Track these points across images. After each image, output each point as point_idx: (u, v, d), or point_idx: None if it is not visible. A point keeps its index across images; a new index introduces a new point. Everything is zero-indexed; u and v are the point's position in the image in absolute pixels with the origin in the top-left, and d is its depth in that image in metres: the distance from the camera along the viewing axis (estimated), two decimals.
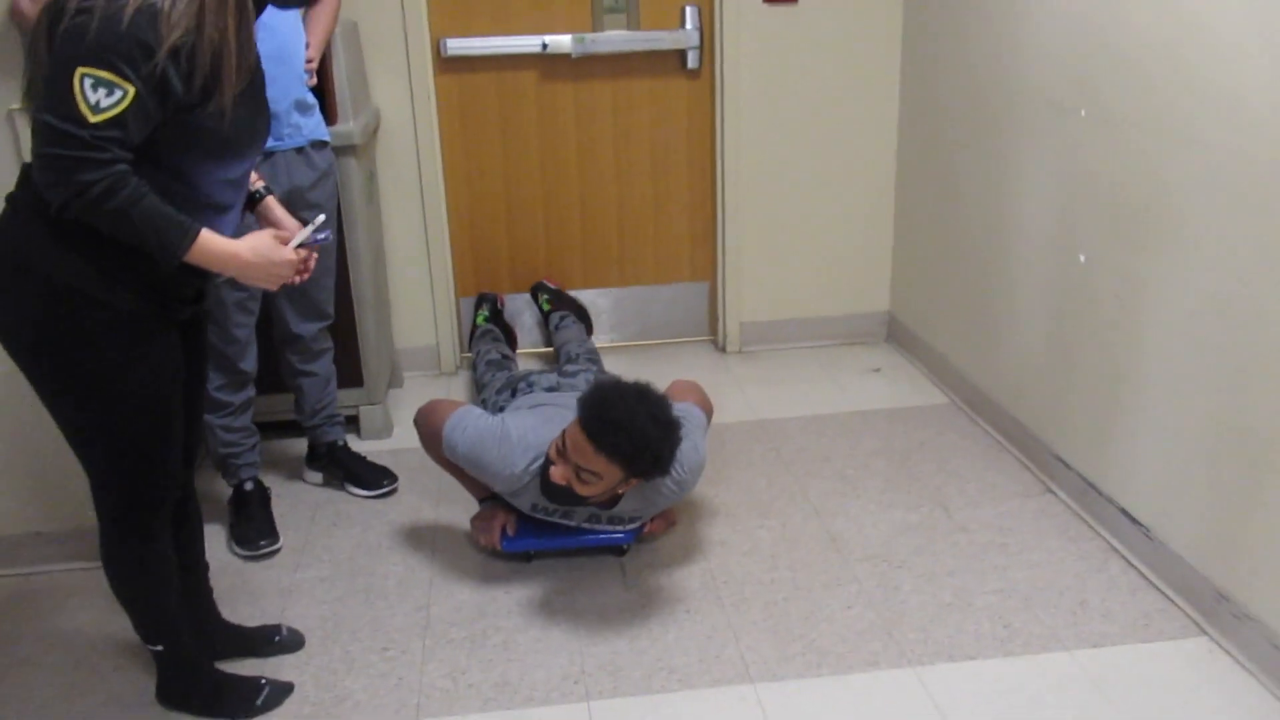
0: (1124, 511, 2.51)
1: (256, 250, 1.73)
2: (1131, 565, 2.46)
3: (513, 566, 2.55)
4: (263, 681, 2.11)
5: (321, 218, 1.86)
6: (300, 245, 1.81)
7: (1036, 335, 2.87)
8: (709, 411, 2.65)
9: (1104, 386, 2.57)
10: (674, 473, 2.35)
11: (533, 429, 2.36)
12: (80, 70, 1.51)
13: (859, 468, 2.97)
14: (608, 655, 2.23)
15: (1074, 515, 2.68)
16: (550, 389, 2.78)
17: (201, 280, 1.80)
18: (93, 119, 1.51)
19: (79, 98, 1.51)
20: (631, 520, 2.48)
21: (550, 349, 3.63)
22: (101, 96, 1.51)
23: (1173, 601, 2.33)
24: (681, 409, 2.51)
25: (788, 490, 2.86)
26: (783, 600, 2.39)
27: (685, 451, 2.38)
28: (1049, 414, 2.84)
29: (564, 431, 2.25)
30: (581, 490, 2.23)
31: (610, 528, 2.48)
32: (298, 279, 1.84)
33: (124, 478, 1.84)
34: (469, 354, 3.64)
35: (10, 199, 1.70)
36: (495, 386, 2.99)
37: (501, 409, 2.73)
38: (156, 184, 1.62)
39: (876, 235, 3.83)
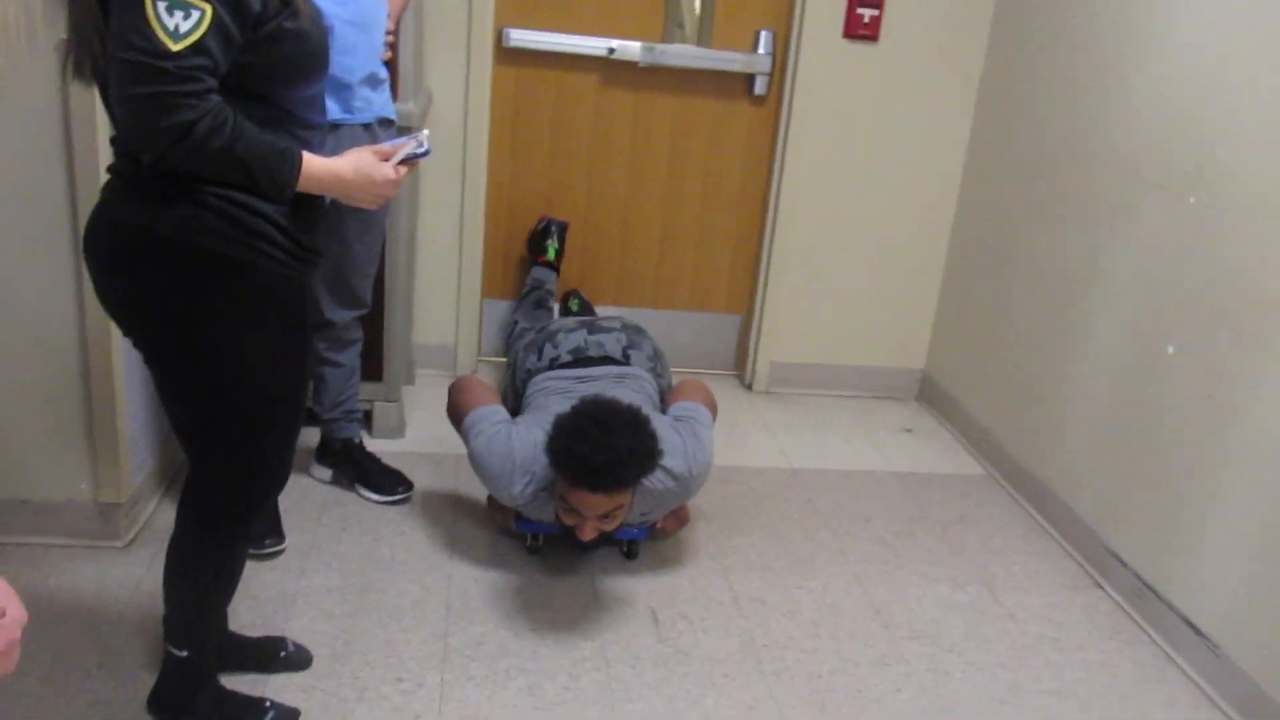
0: (1185, 620, 2.38)
1: (359, 168, 1.58)
2: (1191, 679, 2.33)
3: (536, 599, 2.37)
4: (267, 704, 1.91)
5: (425, 132, 1.69)
6: (402, 161, 1.64)
7: (1099, 420, 2.75)
8: (714, 409, 2.62)
9: (1175, 484, 2.45)
10: (682, 471, 2.34)
11: (533, 450, 2.29)
12: None
13: (899, 534, 2.82)
14: (643, 715, 2.05)
15: (1126, 616, 2.55)
16: (574, 351, 2.65)
17: (321, 217, 1.65)
18: (175, 47, 1.35)
19: (156, 25, 1.34)
20: (642, 518, 2.45)
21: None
22: (179, 20, 1.34)
23: None
24: (689, 408, 2.51)
25: (827, 549, 2.71)
26: (828, 674, 2.23)
27: (692, 450, 2.37)
28: (1105, 504, 2.71)
29: (559, 496, 2.24)
30: (614, 526, 2.26)
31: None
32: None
33: (247, 467, 1.68)
34: (482, 359, 3.47)
35: (114, 169, 1.52)
36: (524, 342, 2.86)
37: (528, 370, 2.65)
38: (249, 114, 1.46)
39: (921, 291, 3.70)
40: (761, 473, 3.10)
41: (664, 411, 2.57)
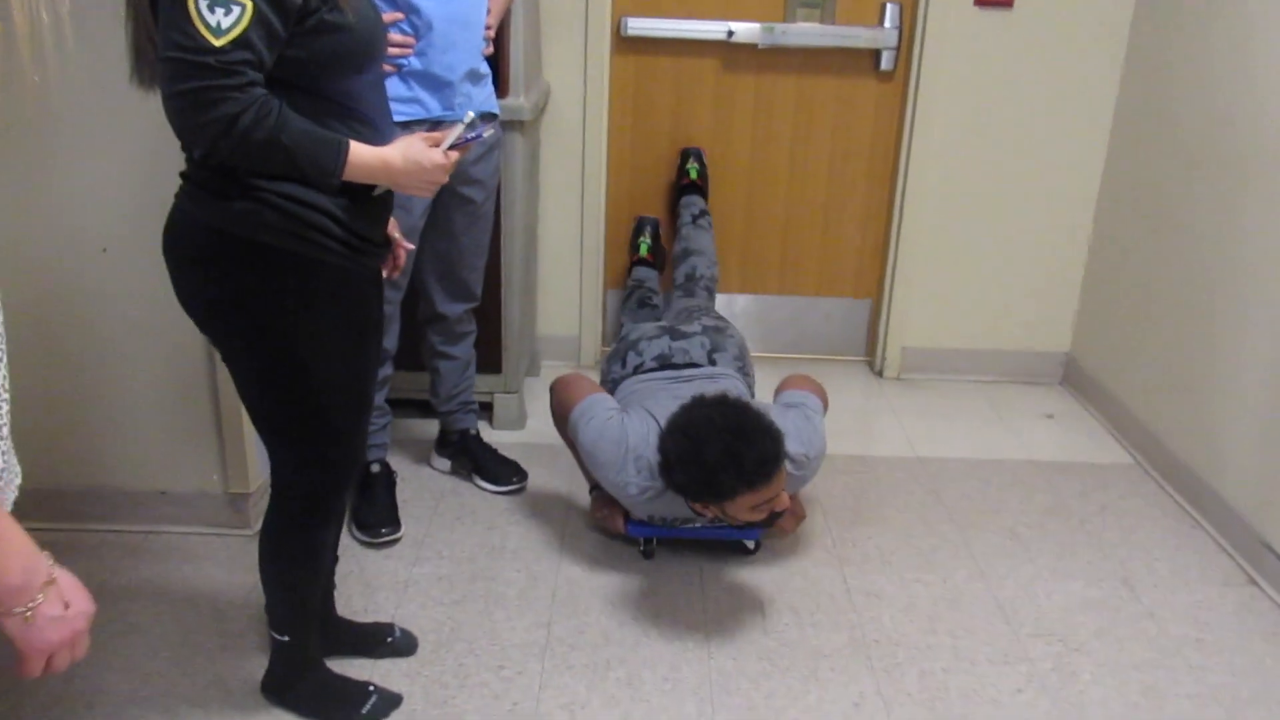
0: None
1: (407, 155, 1.58)
2: None
3: (641, 590, 2.36)
4: (371, 689, 1.96)
5: (471, 114, 1.69)
6: (452, 146, 1.64)
7: (1256, 404, 2.52)
8: (824, 399, 2.54)
9: None
10: (799, 454, 2.27)
11: (646, 440, 2.26)
12: None
13: (1031, 526, 2.67)
14: (742, 709, 2.00)
15: None
16: (659, 358, 2.58)
17: (385, 208, 1.69)
18: (218, 42, 1.38)
19: (198, 22, 1.37)
20: None
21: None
22: (221, 16, 1.38)
23: None
24: (798, 396, 2.46)
25: (950, 542, 2.59)
26: (941, 671, 2.13)
27: (806, 434, 2.31)
28: (1262, 494, 2.49)
29: (713, 517, 2.20)
30: (779, 507, 2.17)
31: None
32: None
33: (320, 454, 1.73)
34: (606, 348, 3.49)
35: (185, 175, 1.59)
36: (606, 354, 2.84)
37: (614, 380, 2.62)
38: (302, 109, 1.49)
39: (1065, 269, 3.49)
40: (886, 462, 2.99)
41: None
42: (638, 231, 3.46)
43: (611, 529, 2.49)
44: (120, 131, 2.18)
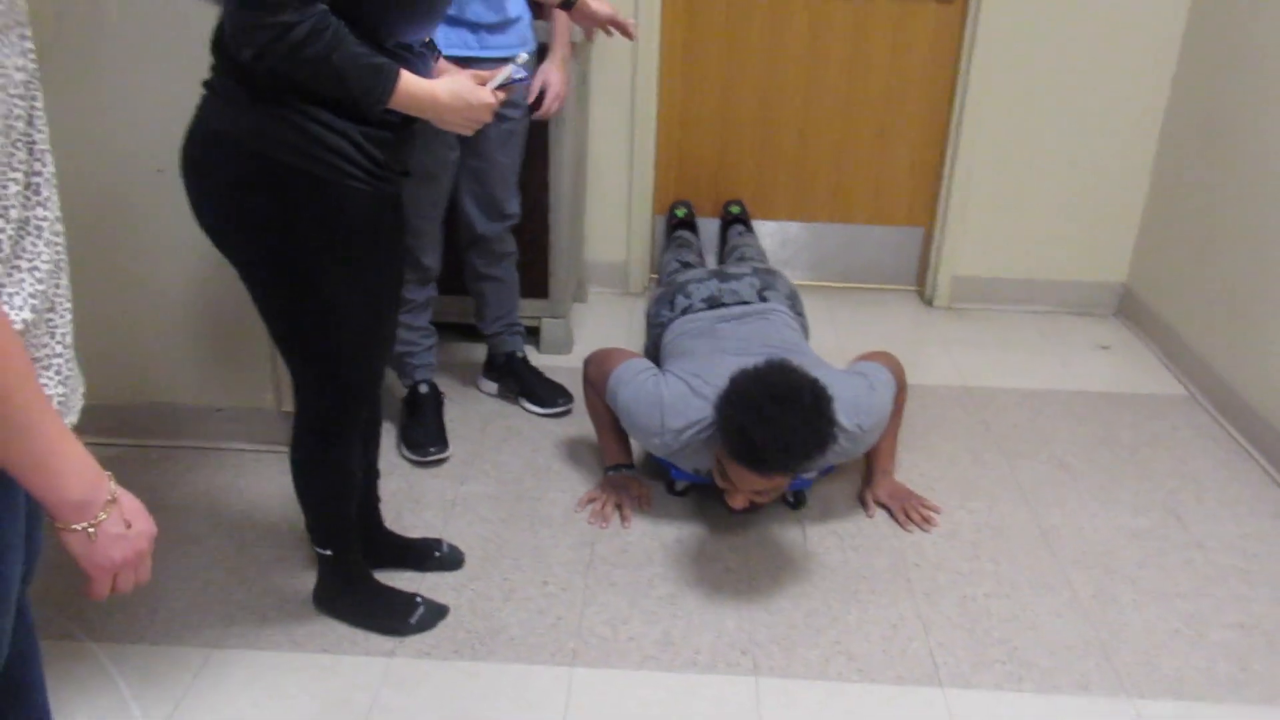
0: None
1: (455, 92, 1.58)
2: None
3: (684, 512, 2.38)
4: (418, 600, 2.01)
5: (523, 56, 1.69)
6: (499, 86, 1.65)
7: None
8: (901, 381, 2.38)
9: None
10: (850, 426, 2.14)
11: (683, 397, 2.18)
12: None
13: (1080, 456, 2.65)
14: (782, 628, 2.03)
15: None
16: (709, 300, 2.56)
17: (409, 138, 1.67)
18: None
19: None
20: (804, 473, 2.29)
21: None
22: None
23: None
24: (870, 367, 2.32)
25: (996, 470, 2.58)
26: (982, 596, 2.14)
27: (865, 404, 2.18)
28: None
29: (717, 459, 2.08)
30: (763, 501, 2.12)
31: None
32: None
33: (335, 375, 1.74)
34: (654, 275, 3.50)
35: (209, 84, 1.58)
36: (654, 296, 2.81)
37: (661, 323, 2.59)
38: None
39: (1124, 199, 3.41)
40: (934, 391, 2.97)
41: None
42: (671, 209, 3.54)
43: (594, 518, 2.36)
44: (178, 49, 2.18)
